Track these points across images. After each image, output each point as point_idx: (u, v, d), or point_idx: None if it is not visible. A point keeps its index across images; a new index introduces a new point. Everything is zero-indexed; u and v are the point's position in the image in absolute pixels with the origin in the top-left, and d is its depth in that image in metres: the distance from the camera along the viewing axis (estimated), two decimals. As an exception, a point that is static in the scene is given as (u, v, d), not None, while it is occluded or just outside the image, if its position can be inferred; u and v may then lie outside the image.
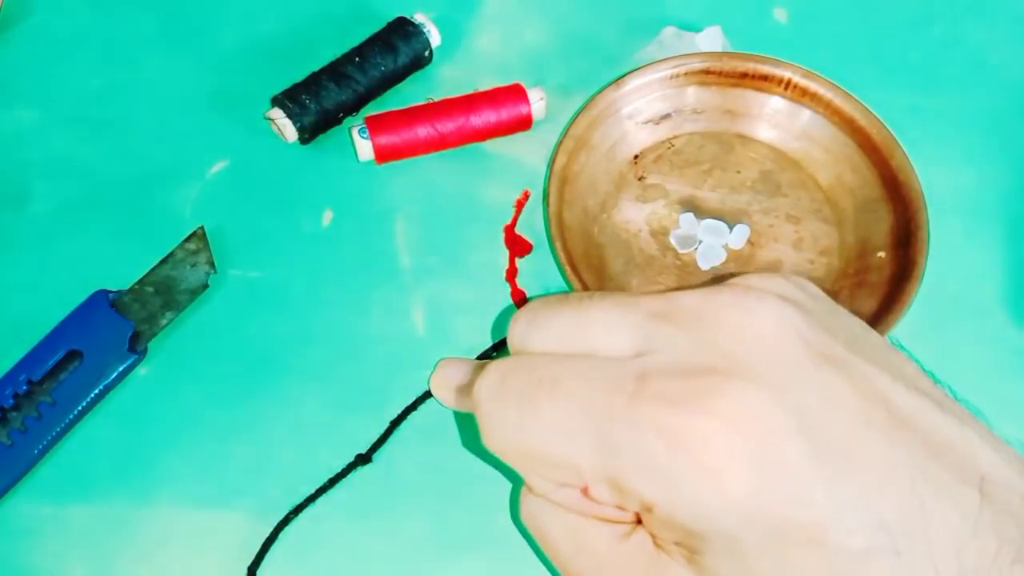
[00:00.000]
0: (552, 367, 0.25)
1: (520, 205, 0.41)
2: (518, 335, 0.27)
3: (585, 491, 0.25)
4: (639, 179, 0.41)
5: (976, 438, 0.23)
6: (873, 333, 0.26)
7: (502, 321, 0.39)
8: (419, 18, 0.43)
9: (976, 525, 0.21)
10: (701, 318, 0.24)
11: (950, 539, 0.21)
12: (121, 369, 0.37)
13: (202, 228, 0.39)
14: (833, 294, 0.38)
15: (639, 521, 0.25)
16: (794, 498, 0.21)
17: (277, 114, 0.41)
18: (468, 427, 0.36)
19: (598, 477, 0.24)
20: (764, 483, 0.21)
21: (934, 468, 0.22)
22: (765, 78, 0.41)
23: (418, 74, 0.44)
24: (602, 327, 0.25)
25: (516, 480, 0.35)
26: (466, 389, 0.31)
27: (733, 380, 0.22)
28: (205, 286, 0.38)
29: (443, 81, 0.44)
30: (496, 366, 0.26)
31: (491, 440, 0.25)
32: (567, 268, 0.37)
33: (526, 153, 0.42)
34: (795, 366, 0.23)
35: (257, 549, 0.34)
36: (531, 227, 0.41)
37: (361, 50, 0.42)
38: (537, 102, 0.42)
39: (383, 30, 0.43)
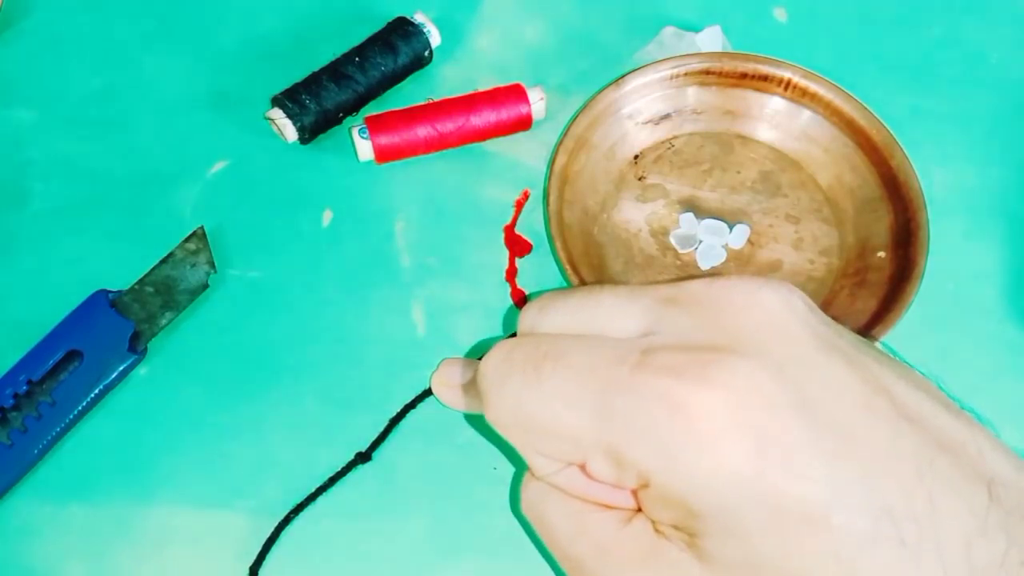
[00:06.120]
0: (558, 342, 0.25)
1: (520, 205, 0.41)
2: (528, 321, 0.27)
3: (583, 468, 0.25)
4: (639, 179, 0.41)
5: (984, 441, 0.23)
6: (875, 345, 0.26)
7: (502, 321, 0.39)
8: (419, 18, 0.43)
9: (985, 524, 0.21)
10: (708, 300, 0.25)
11: (959, 534, 0.21)
12: (121, 369, 0.37)
13: (202, 228, 0.39)
14: (833, 294, 0.39)
15: (640, 510, 0.25)
16: (792, 472, 0.21)
17: (277, 114, 0.41)
18: (474, 424, 0.37)
19: (597, 447, 0.24)
20: (761, 455, 0.21)
21: (942, 462, 0.22)
22: (765, 78, 0.41)
23: (418, 74, 0.44)
24: (611, 311, 0.26)
25: (516, 473, 0.35)
26: (467, 388, 0.32)
27: (735, 355, 0.23)
28: (205, 286, 0.38)
29: (443, 81, 0.44)
30: (503, 342, 0.26)
31: (494, 411, 0.26)
32: (567, 268, 0.37)
33: (526, 153, 0.42)
34: (797, 346, 0.23)
35: (258, 549, 0.34)
36: (531, 227, 0.41)
37: (361, 50, 0.42)
38: (537, 102, 0.42)
39: (383, 30, 0.43)
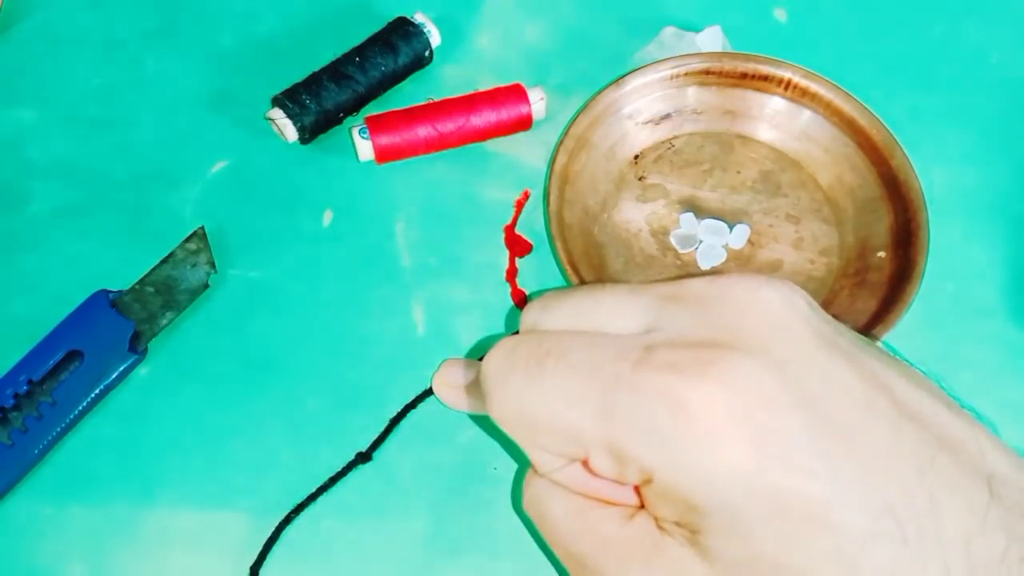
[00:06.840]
0: (561, 339, 0.25)
1: (520, 205, 0.41)
2: (530, 319, 0.27)
3: (586, 464, 0.25)
4: (639, 179, 0.41)
5: (985, 439, 0.23)
6: (876, 344, 0.26)
7: (502, 321, 0.39)
8: (419, 18, 0.43)
9: (985, 521, 0.21)
10: (710, 297, 0.25)
11: (959, 532, 0.21)
12: (121, 369, 0.37)
13: (202, 228, 0.39)
14: (833, 294, 0.39)
15: (642, 507, 0.25)
16: (793, 469, 0.21)
17: (277, 114, 0.41)
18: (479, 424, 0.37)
19: (599, 443, 0.24)
20: (762, 452, 0.21)
21: (942, 460, 0.22)
22: (765, 78, 0.41)
23: (418, 74, 0.44)
24: (612, 308, 0.26)
25: (518, 471, 0.36)
26: (469, 388, 0.32)
27: (736, 352, 0.23)
28: (205, 286, 0.38)
29: (443, 81, 0.44)
30: (505, 340, 0.26)
31: (496, 408, 0.26)
32: (567, 267, 0.37)
33: (526, 153, 0.42)
34: (799, 343, 0.23)
35: (258, 549, 0.34)
36: (531, 227, 0.41)
37: (361, 50, 0.42)
38: (537, 102, 0.42)
39: (383, 30, 0.43)
